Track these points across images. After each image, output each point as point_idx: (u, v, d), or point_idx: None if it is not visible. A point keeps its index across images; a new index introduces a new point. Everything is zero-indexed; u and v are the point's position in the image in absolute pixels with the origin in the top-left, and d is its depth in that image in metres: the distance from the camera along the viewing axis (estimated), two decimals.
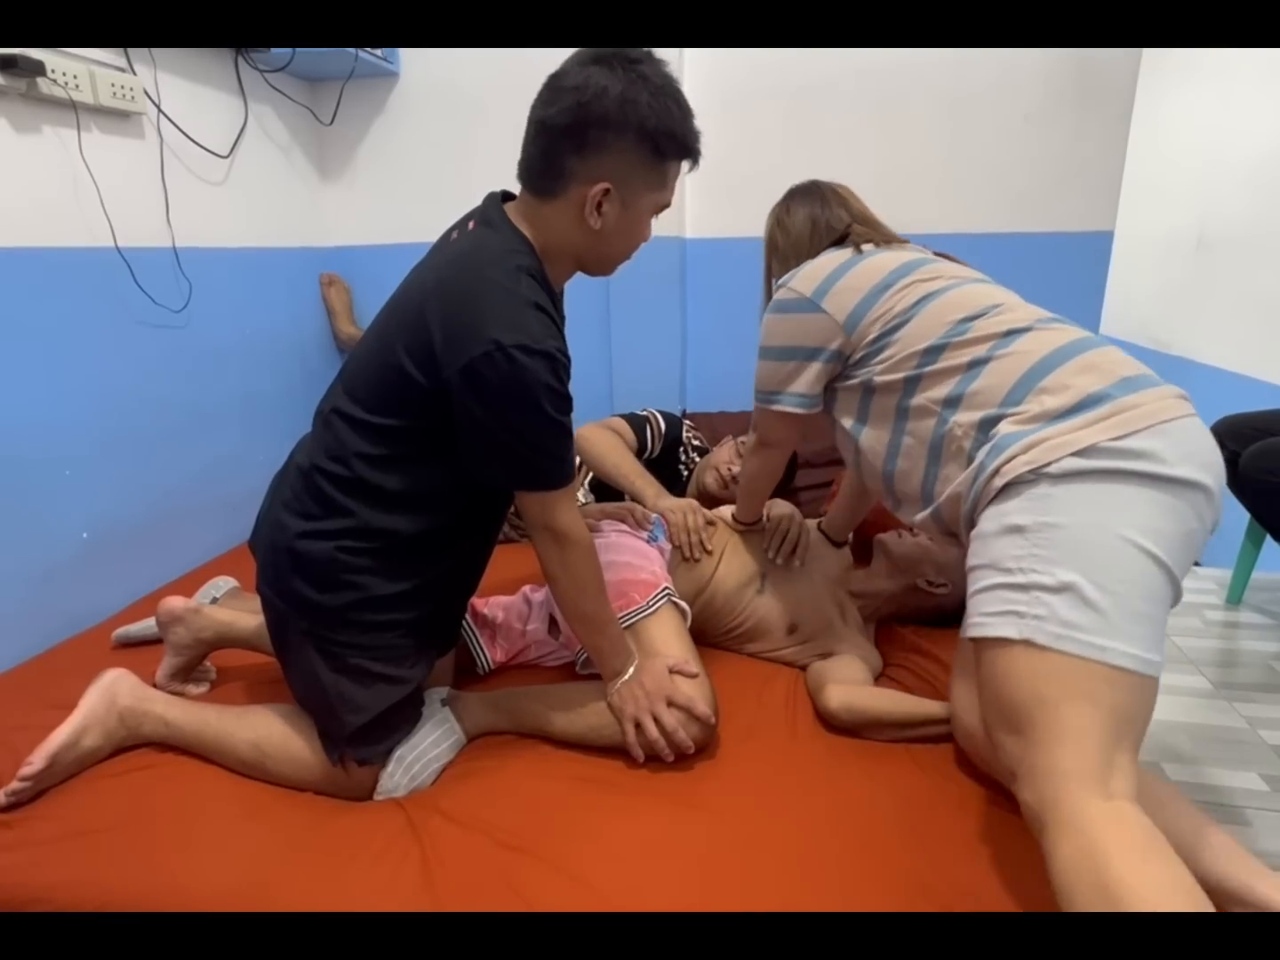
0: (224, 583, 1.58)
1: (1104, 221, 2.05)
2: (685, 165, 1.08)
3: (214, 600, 1.52)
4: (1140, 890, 0.68)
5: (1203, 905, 0.69)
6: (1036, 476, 0.87)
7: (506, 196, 1.12)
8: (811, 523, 1.55)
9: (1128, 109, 1.97)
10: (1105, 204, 2.04)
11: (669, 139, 1.01)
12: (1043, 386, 0.93)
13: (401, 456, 1.04)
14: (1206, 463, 0.86)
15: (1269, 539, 2.04)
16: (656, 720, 1.09)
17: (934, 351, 1.04)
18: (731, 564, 1.44)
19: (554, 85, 1.00)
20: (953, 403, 1.01)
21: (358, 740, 1.07)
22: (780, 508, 1.52)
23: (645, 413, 1.89)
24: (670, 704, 1.10)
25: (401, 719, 1.12)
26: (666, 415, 1.91)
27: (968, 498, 0.97)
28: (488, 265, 0.99)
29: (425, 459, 1.04)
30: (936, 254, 1.25)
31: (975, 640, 0.88)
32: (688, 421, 1.97)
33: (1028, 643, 0.82)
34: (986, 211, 2.10)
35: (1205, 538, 0.88)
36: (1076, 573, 0.81)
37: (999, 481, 0.90)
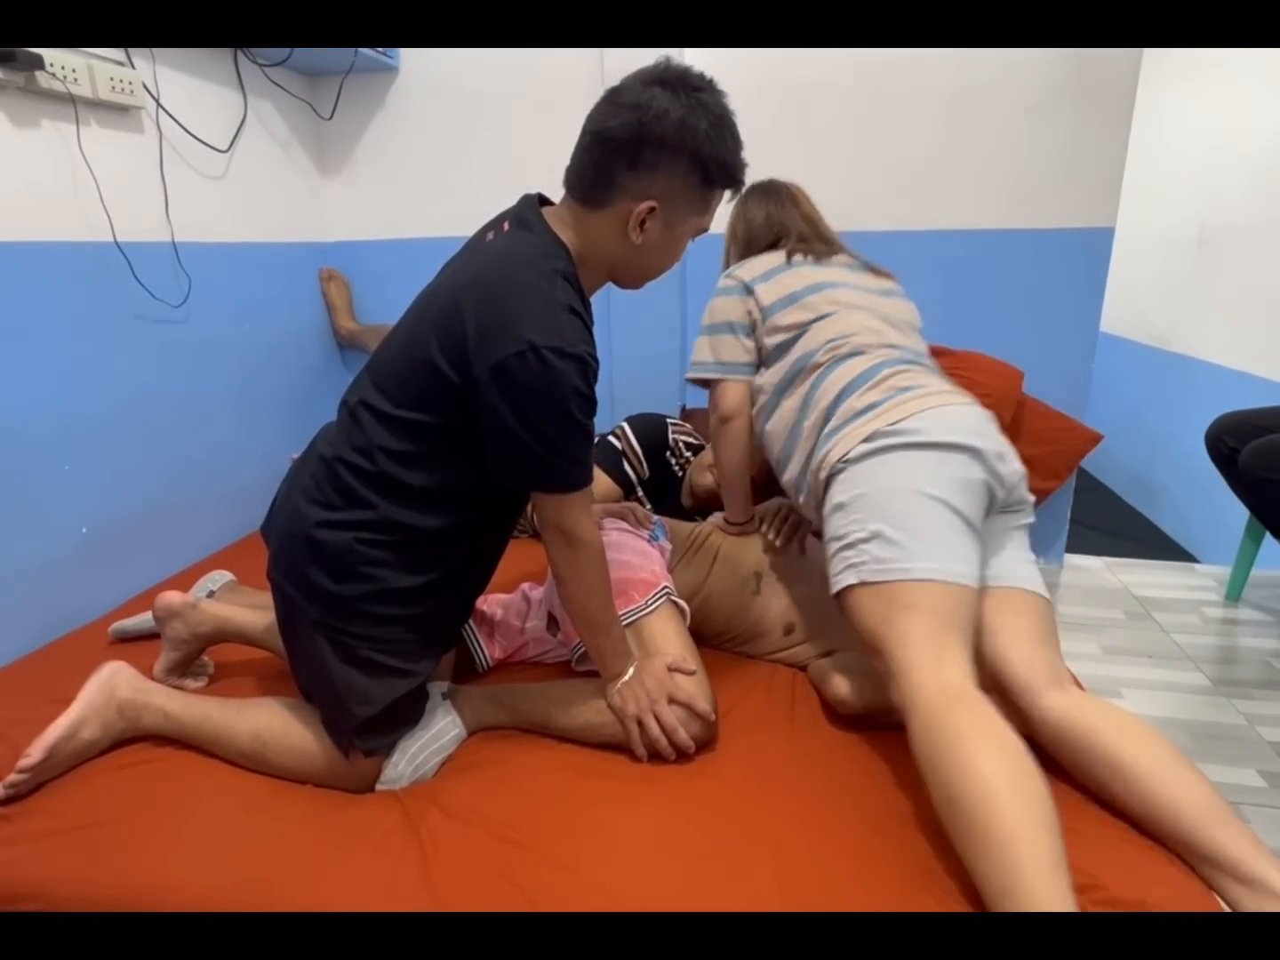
0: (220, 576, 1.58)
1: (1105, 218, 2.04)
2: (728, 194, 1.11)
3: (211, 594, 1.52)
4: (970, 760, 0.83)
5: (1025, 777, 0.82)
6: (844, 464, 1.16)
7: (543, 201, 1.12)
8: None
9: (1129, 105, 1.96)
10: (1106, 200, 2.03)
11: (720, 168, 1.04)
12: (849, 403, 1.21)
13: (427, 453, 1.04)
14: (964, 429, 1.13)
15: (1268, 536, 2.04)
16: (658, 719, 1.10)
17: (802, 363, 1.33)
18: (726, 566, 1.44)
19: (614, 100, 1.01)
20: (804, 408, 1.30)
21: (365, 732, 1.07)
22: (772, 502, 1.53)
23: (619, 444, 1.85)
24: (671, 702, 1.11)
25: (409, 712, 1.12)
26: (641, 427, 1.87)
27: (804, 489, 1.27)
28: (525, 266, 1.00)
29: (450, 457, 1.04)
30: (868, 266, 1.49)
31: (837, 596, 1.12)
32: (672, 421, 1.95)
33: (863, 584, 1.06)
34: (987, 207, 2.09)
35: (996, 481, 1.13)
36: (881, 522, 1.07)
37: (822, 475, 1.19)
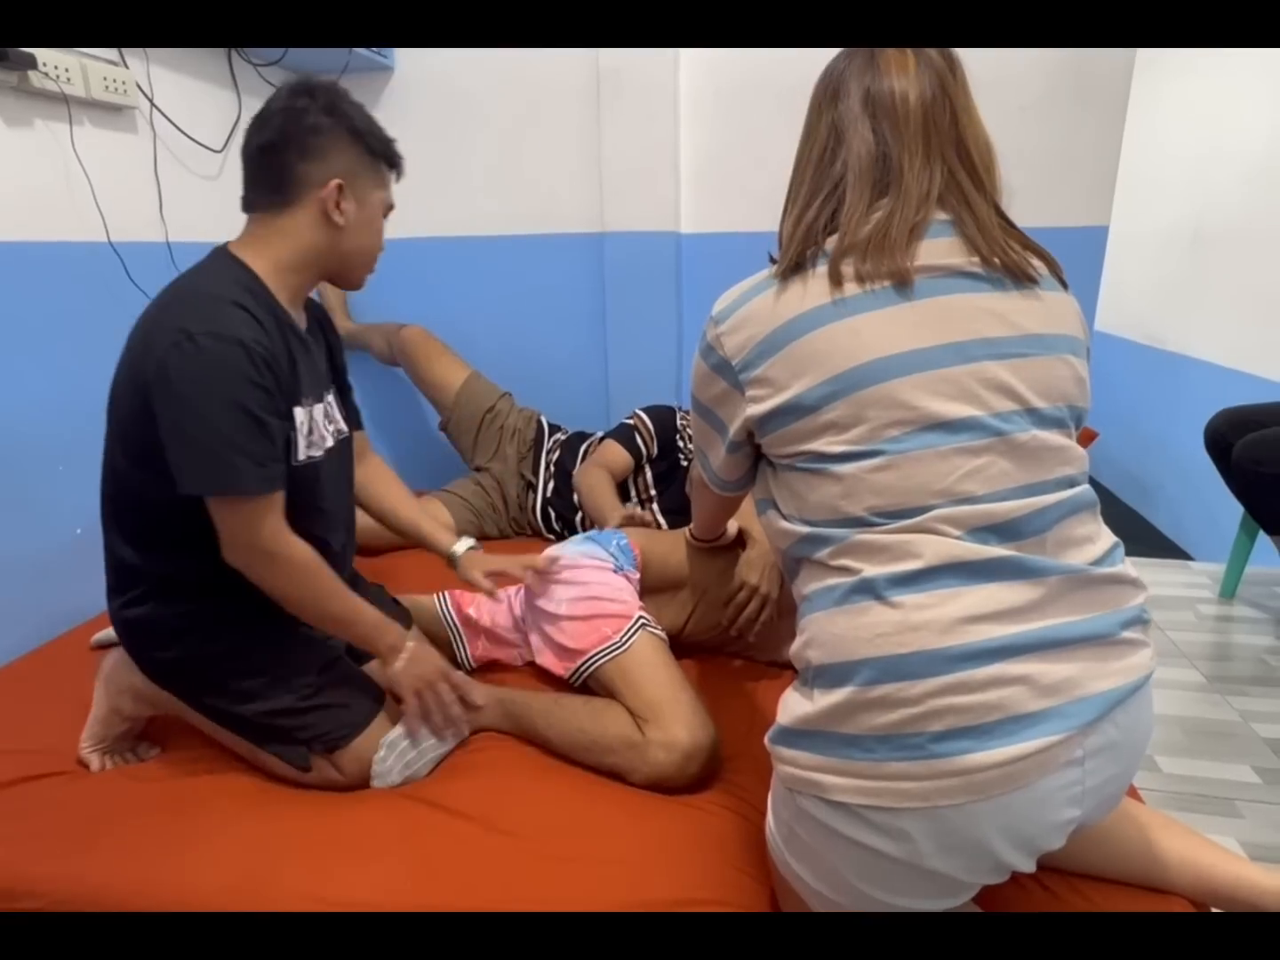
0: None
1: (1099, 216, 2.04)
2: (393, 176, 1.19)
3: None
4: None
5: None
6: None
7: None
8: None
9: (1122, 104, 1.96)
10: (1100, 198, 2.04)
11: (378, 140, 1.13)
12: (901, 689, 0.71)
13: (147, 502, 1.05)
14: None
15: (1262, 533, 2.05)
16: (435, 694, 1.12)
17: (818, 539, 0.78)
18: (710, 597, 1.39)
19: (262, 118, 1.09)
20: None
21: (317, 741, 1.08)
22: (751, 567, 1.33)
23: (632, 420, 1.89)
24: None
25: (340, 697, 1.13)
26: (654, 412, 1.90)
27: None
28: (185, 286, 1.03)
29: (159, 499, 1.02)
30: (1013, 270, 0.79)
31: None
32: (681, 410, 1.97)
33: None
34: None
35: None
36: None
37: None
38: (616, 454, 1.83)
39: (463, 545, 1.33)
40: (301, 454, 1.08)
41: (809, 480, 0.77)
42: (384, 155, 1.15)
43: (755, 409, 0.80)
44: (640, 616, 1.26)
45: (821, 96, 0.89)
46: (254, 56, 1.99)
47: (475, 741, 1.19)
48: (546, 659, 1.31)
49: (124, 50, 1.63)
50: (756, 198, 2.21)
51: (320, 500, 1.15)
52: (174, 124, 1.78)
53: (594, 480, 1.75)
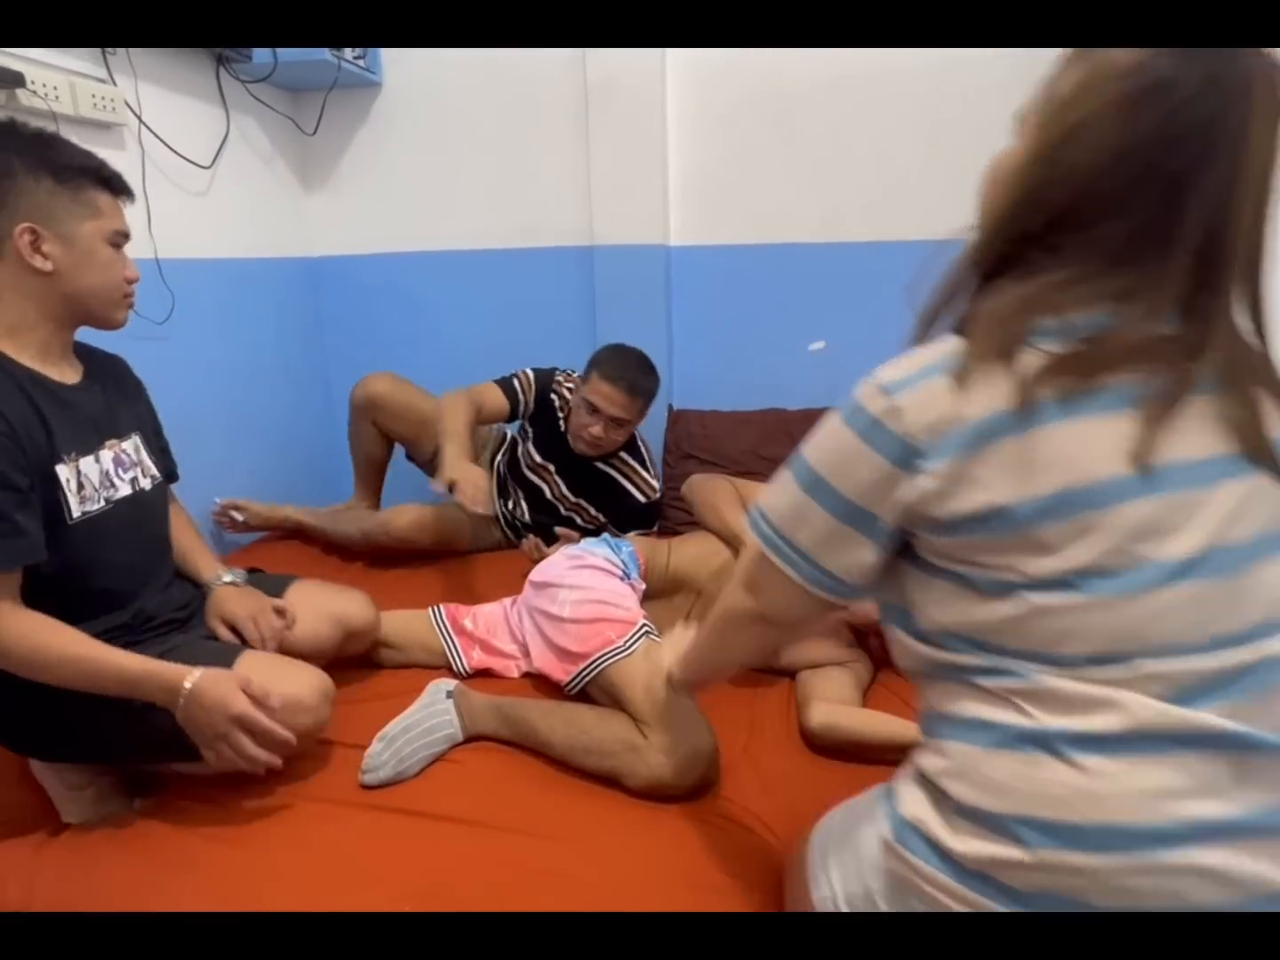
0: None
1: None
2: (113, 199, 1.09)
3: None
4: None
5: None
6: None
7: None
8: None
9: None
10: None
11: (68, 170, 1.03)
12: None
13: None
14: None
15: None
16: (233, 742, 1.01)
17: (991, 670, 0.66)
18: (705, 600, 1.40)
19: None
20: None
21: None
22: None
23: (516, 371, 1.95)
24: (249, 710, 1.01)
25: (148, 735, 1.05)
26: (539, 370, 1.97)
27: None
28: None
29: None
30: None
31: None
32: (560, 372, 2.00)
33: None
34: (964, 217, 2.11)
35: None
36: None
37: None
38: (491, 392, 1.88)
39: (222, 578, 1.27)
40: (75, 511, 1.05)
41: (985, 599, 0.65)
42: (85, 182, 1.05)
43: (937, 504, 0.65)
44: (644, 624, 1.27)
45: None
46: (242, 73, 2.00)
47: (472, 747, 1.19)
48: (547, 662, 1.30)
49: (112, 68, 1.63)
50: (745, 210, 2.23)
51: (111, 553, 1.10)
52: (162, 141, 1.78)
53: (454, 405, 1.75)
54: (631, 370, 1.78)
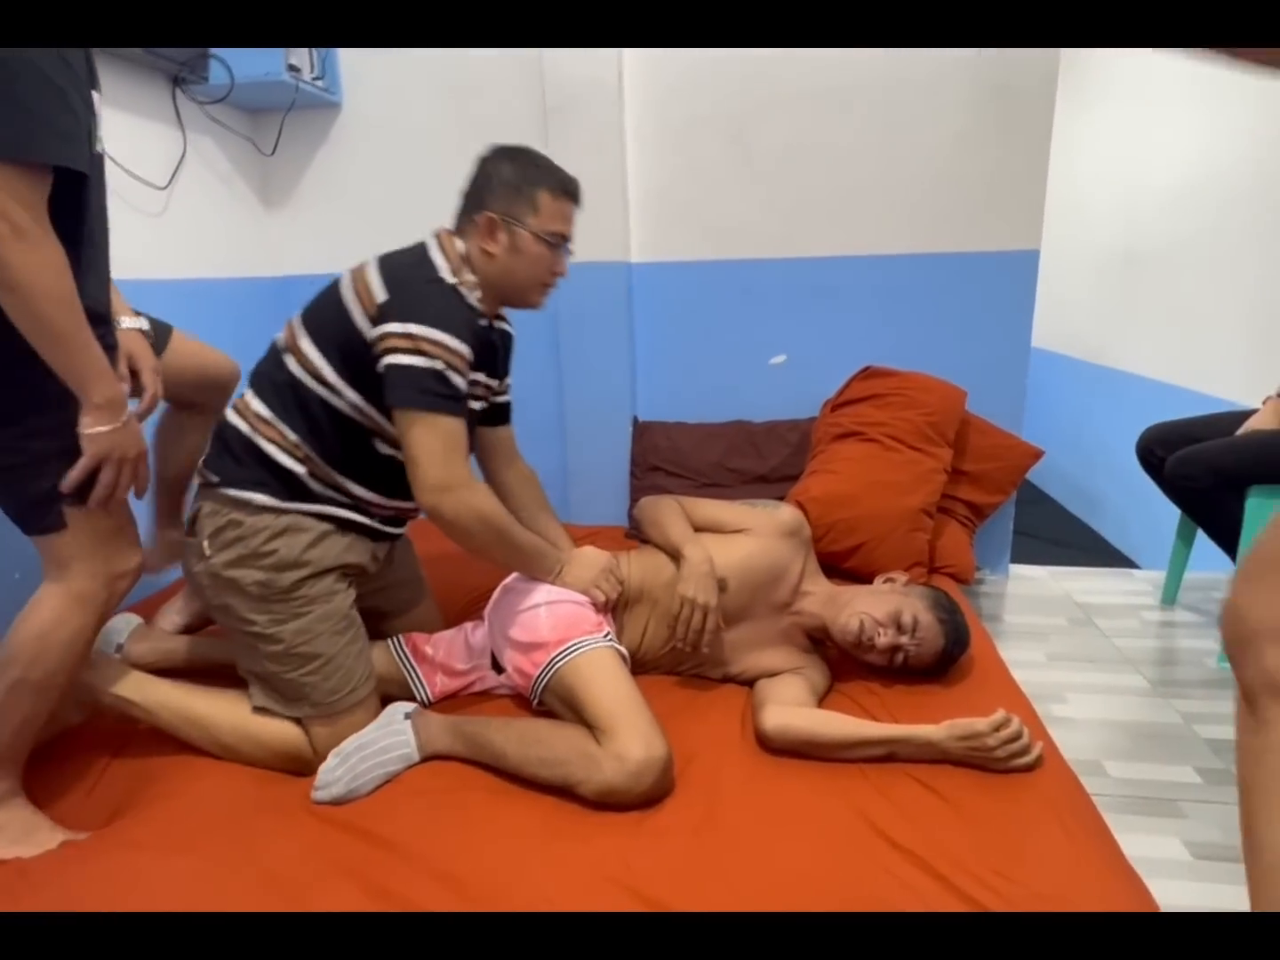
0: (124, 624, 1.48)
1: (1030, 241, 2.13)
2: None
3: (119, 647, 1.43)
4: None
5: None
6: None
7: None
8: None
9: (1046, 133, 2.06)
10: (1030, 224, 2.13)
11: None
12: None
13: None
14: None
15: (1198, 538, 2.13)
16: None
17: None
18: (660, 610, 1.43)
19: None
20: None
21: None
22: (686, 582, 1.36)
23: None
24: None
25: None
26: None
27: None
28: None
29: None
30: None
31: None
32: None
33: None
34: (920, 232, 2.17)
35: None
36: None
37: None
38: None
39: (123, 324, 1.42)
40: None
41: None
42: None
43: None
44: (609, 633, 1.30)
45: None
46: (198, 94, 2.00)
47: (426, 768, 1.18)
48: (511, 660, 1.31)
49: None
50: (705, 227, 2.27)
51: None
52: (116, 162, 1.77)
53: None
54: (564, 171, 1.52)
